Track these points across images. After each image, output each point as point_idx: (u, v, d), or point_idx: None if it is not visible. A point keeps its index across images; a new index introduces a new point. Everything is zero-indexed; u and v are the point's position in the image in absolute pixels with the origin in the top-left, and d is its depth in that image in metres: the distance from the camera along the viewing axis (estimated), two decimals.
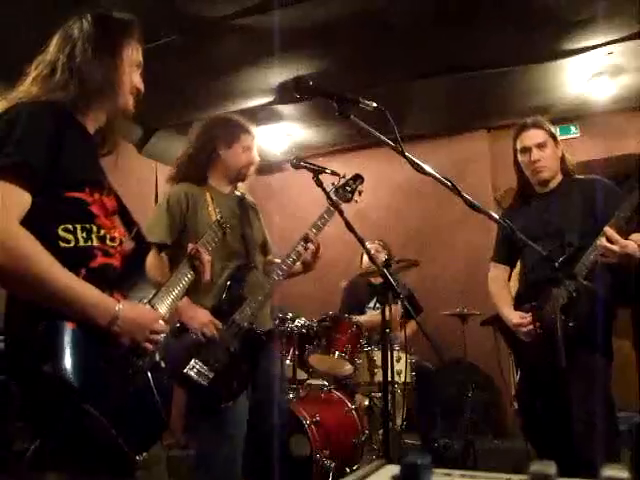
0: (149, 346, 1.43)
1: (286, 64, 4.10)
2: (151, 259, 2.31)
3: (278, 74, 4.24)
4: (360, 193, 2.66)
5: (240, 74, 4.27)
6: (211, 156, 2.52)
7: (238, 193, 2.63)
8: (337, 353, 3.54)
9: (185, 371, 2.20)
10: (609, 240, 2.21)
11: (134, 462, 1.29)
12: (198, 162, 2.53)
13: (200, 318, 2.28)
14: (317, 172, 2.31)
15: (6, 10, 3.22)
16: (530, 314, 2.46)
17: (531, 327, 2.42)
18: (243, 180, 2.62)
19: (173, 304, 1.64)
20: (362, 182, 2.67)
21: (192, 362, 2.22)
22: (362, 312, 4.31)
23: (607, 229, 2.23)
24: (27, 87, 1.43)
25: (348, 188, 2.62)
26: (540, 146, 2.56)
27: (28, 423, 1.31)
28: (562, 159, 2.62)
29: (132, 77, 1.55)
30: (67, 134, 1.36)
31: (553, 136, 2.62)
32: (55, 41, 1.50)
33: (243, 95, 4.59)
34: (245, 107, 4.70)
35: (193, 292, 2.32)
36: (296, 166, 2.47)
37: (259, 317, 2.44)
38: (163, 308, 1.62)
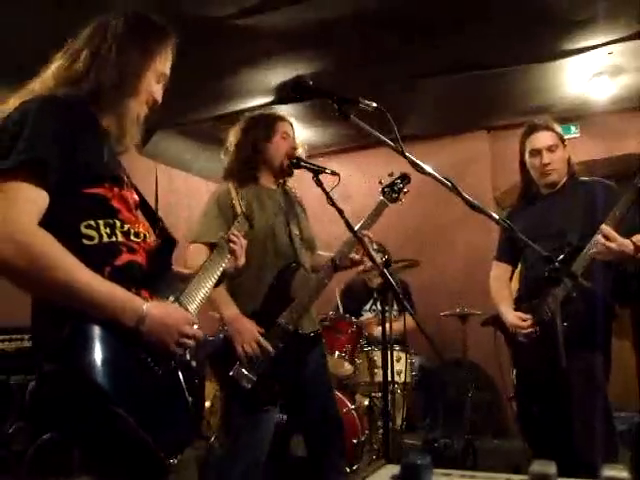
0: (179, 350, 1.36)
1: (286, 64, 4.10)
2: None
3: (278, 74, 4.24)
4: (405, 193, 2.60)
5: (240, 74, 4.26)
6: (256, 156, 2.51)
7: (285, 188, 2.61)
8: (337, 353, 3.54)
9: (231, 374, 2.21)
10: (606, 237, 2.22)
11: (167, 465, 1.25)
12: (246, 164, 2.51)
13: (244, 335, 2.24)
14: (317, 172, 2.30)
15: (12, 10, 3.22)
16: (530, 316, 2.46)
17: (530, 330, 2.43)
18: (290, 173, 2.56)
19: (199, 297, 1.55)
20: (409, 182, 2.60)
21: (237, 365, 2.22)
22: (359, 315, 4.30)
23: (604, 227, 2.24)
24: (44, 79, 1.41)
25: (396, 188, 2.57)
26: (551, 149, 2.57)
27: (34, 425, 1.28)
28: (568, 161, 2.63)
29: (152, 87, 1.51)
30: (81, 129, 1.33)
31: (561, 138, 2.62)
32: (86, 33, 1.47)
33: (243, 95, 4.59)
34: (245, 107, 4.70)
35: (239, 294, 2.33)
36: (296, 166, 2.47)
37: (305, 319, 2.42)
38: (193, 305, 1.52)
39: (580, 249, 2.34)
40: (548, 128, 2.61)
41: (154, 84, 1.52)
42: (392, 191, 2.56)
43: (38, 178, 1.23)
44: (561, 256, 2.31)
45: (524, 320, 2.47)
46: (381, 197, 2.55)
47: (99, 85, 1.39)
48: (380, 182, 2.58)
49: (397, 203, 2.58)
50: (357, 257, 2.46)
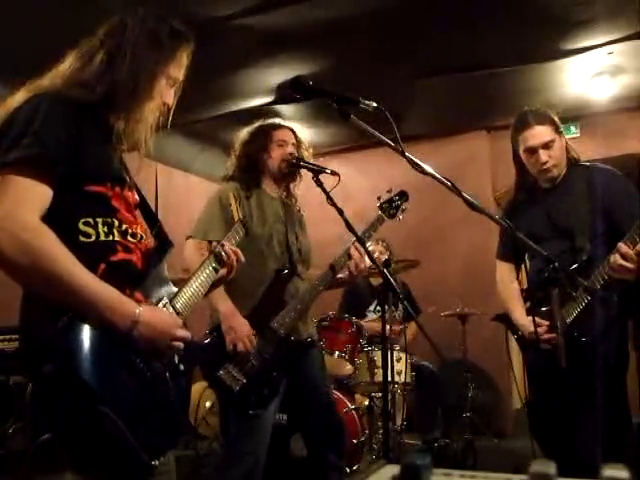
0: (169, 352, 1.37)
1: (286, 64, 4.10)
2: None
3: (278, 74, 4.24)
4: (404, 210, 2.62)
5: (240, 74, 4.27)
6: (256, 166, 2.54)
7: (286, 200, 2.63)
8: (337, 353, 3.54)
9: (218, 374, 2.21)
10: (623, 257, 2.10)
11: (150, 467, 1.26)
12: (246, 172, 2.54)
13: (238, 331, 2.25)
14: (317, 172, 2.30)
15: (11, 10, 3.22)
16: (545, 322, 2.33)
17: (548, 337, 2.29)
18: (291, 178, 2.58)
19: (190, 301, 1.55)
20: (407, 199, 2.61)
21: (226, 365, 2.23)
22: (363, 315, 4.29)
23: (621, 245, 2.11)
24: (54, 77, 1.40)
25: (394, 204, 2.58)
26: (547, 146, 2.37)
27: (29, 423, 1.28)
28: (567, 149, 2.46)
29: (164, 91, 1.50)
30: (87, 127, 1.33)
31: (557, 128, 2.41)
32: (102, 33, 1.45)
33: (243, 95, 4.59)
34: (245, 107, 4.70)
35: (234, 297, 2.34)
36: (296, 166, 2.47)
37: (299, 325, 2.43)
38: (184, 310, 1.53)
39: (593, 257, 2.25)
40: (541, 122, 2.38)
41: (166, 88, 1.51)
42: (390, 207, 2.58)
43: (43, 174, 1.23)
44: (573, 266, 2.24)
45: (539, 326, 2.30)
46: (379, 212, 2.55)
47: (113, 88, 1.38)
48: (379, 198, 2.59)
49: (394, 219, 2.59)
50: (352, 271, 2.43)
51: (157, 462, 1.28)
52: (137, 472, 1.26)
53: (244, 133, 2.63)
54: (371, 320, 4.25)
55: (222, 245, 1.77)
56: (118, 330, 1.24)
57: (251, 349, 2.25)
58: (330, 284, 2.46)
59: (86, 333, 1.20)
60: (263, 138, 2.55)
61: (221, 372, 2.22)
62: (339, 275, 2.45)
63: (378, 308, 4.36)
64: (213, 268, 1.71)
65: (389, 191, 2.62)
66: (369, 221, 2.55)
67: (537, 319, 2.31)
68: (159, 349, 1.33)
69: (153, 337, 1.30)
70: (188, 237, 2.43)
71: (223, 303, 2.30)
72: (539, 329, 2.30)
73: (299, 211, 2.69)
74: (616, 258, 2.12)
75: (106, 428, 1.17)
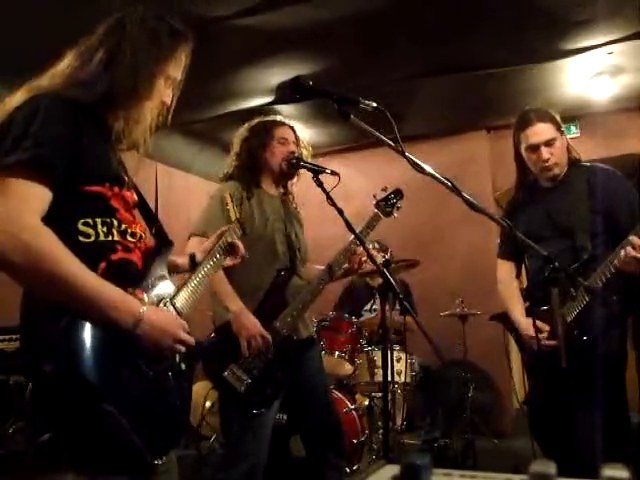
0: (170, 354, 1.38)
1: (286, 64, 4.10)
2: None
3: (278, 74, 4.24)
4: (398, 208, 2.63)
5: (240, 74, 4.27)
6: (256, 163, 2.53)
7: (284, 198, 2.63)
8: (337, 353, 3.54)
9: (224, 375, 2.22)
10: (635, 248, 2.09)
11: (153, 466, 1.26)
12: (246, 170, 2.53)
13: (250, 329, 2.25)
14: (317, 172, 2.30)
15: (11, 10, 3.22)
16: (546, 326, 2.33)
17: (548, 343, 2.28)
18: (291, 176, 2.58)
19: (190, 300, 1.55)
20: (402, 197, 2.63)
21: (231, 366, 2.23)
22: (359, 315, 4.29)
23: (633, 237, 2.11)
24: (53, 76, 1.39)
25: (389, 202, 2.59)
26: (549, 143, 2.38)
27: (30, 423, 1.28)
28: (568, 149, 2.47)
29: (163, 92, 1.50)
30: (87, 127, 1.33)
31: (558, 126, 2.43)
32: (101, 32, 1.44)
33: (243, 95, 4.59)
34: (245, 107, 4.70)
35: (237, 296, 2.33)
36: (296, 166, 2.47)
37: (300, 324, 2.44)
38: (185, 308, 1.53)
39: (593, 256, 2.25)
40: (543, 120, 2.40)
41: (165, 88, 1.51)
42: (386, 205, 2.58)
43: (42, 176, 1.23)
44: (574, 265, 2.23)
45: (540, 330, 2.29)
46: (375, 210, 2.56)
47: (113, 87, 1.38)
48: (374, 196, 2.60)
49: (390, 217, 2.59)
50: (350, 265, 2.44)
51: (160, 461, 1.28)
52: (140, 471, 1.26)
53: (244, 129, 2.62)
54: (367, 318, 4.25)
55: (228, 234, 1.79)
56: (121, 328, 1.24)
57: (262, 347, 2.25)
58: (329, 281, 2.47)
59: (88, 332, 1.20)
60: (264, 135, 2.54)
61: (226, 373, 2.22)
62: (338, 273, 2.46)
63: (374, 307, 4.37)
64: (214, 264, 1.71)
65: (384, 189, 2.63)
66: (365, 219, 2.55)
67: (538, 323, 2.30)
68: (162, 349, 1.33)
69: (156, 336, 1.30)
70: (190, 234, 2.43)
71: (233, 302, 2.29)
72: (539, 335, 2.28)
73: (296, 208, 2.69)
74: (629, 250, 2.11)
75: (110, 427, 1.17)
